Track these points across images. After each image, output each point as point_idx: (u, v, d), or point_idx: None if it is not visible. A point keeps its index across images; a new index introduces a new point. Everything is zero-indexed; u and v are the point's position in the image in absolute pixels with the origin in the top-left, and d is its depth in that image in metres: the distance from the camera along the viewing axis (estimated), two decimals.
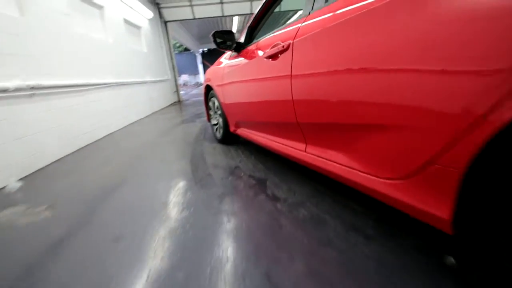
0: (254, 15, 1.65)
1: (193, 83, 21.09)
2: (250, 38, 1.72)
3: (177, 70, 7.75)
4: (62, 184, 1.76)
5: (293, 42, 1.04)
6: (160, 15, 6.84)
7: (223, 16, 7.05)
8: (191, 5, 6.79)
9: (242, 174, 1.63)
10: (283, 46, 1.09)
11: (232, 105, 1.91)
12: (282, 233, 0.99)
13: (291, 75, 1.05)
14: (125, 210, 1.31)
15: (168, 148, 2.45)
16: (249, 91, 1.57)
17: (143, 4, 5.39)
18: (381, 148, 0.76)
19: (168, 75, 7.09)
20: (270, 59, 1.23)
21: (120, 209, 1.33)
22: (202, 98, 2.61)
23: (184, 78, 20.11)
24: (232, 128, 2.07)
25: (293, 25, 1.10)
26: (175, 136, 2.97)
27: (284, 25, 1.25)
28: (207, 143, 2.49)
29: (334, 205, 1.15)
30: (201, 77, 20.92)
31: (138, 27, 5.35)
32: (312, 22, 0.95)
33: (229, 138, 2.27)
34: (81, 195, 1.55)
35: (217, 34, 1.67)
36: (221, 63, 2.09)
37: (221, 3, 6.79)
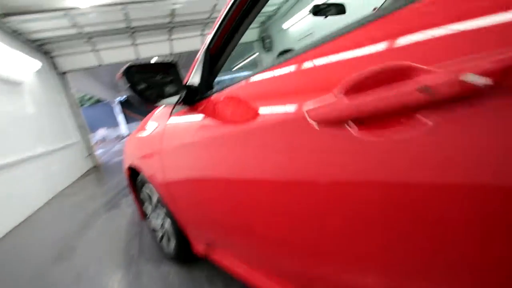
0: (213, 31, 0.79)
1: (113, 136, 18.49)
2: (211, 75, 0.84)
3: (87, 128, 6.15)
4: None
5: None
6: (54, 66, 5.37)
7: (138, 59, 6.02)
8: (95, 50, 5.57)
9: None
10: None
11: (193, 196, 0.93)
12: None
13: None
14: None
15: None
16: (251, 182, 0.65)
17: (21, 51, 3.98)
18: None
19: (76, 137, 5.47)
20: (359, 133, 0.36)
21: None
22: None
23: (101, 133, 17.45)
24: (198, 247, 1.06)
25: None
26: (85, 254, 1.70)
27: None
28: (150, 266, 1.36)
29: None
30: (123, 128, 18.56)
31: (17, 83, 3.85)
32: None
33: (189, 255, 1.24)
34: None
35: (136, 74, 0.73)
36: (154, 126, 1.11)
37: (134, 45, 5.80)
